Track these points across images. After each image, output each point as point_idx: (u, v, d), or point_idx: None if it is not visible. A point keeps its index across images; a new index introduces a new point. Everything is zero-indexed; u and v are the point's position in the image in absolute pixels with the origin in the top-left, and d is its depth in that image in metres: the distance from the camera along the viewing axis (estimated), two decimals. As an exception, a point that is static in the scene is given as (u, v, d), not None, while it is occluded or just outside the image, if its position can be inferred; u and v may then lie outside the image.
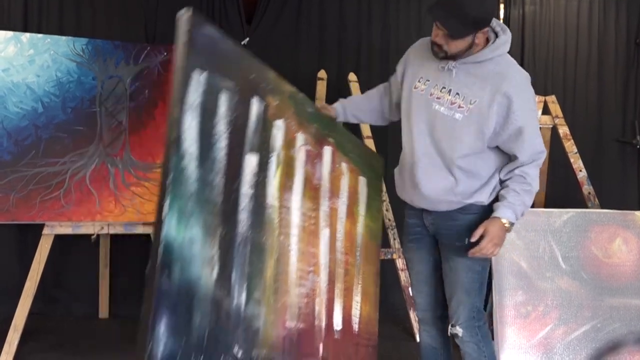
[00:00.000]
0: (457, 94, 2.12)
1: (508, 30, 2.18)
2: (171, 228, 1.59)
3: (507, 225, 2.09)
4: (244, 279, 1.88)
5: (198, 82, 1.75)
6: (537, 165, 2.14)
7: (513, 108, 2.06)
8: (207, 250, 1.72)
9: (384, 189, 3.06)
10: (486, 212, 2.16)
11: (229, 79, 1.92)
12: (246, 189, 1.91)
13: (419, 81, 2.21)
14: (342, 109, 2.52)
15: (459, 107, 2.12)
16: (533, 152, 2.12)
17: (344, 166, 2.43)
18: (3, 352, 2.95)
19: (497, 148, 2.16)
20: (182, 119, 1.67)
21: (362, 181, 2.62)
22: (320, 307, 2.31)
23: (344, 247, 2.50)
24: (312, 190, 2.32)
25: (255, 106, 2.03)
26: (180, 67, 1.68)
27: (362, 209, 2.62)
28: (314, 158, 2.36)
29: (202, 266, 1.70)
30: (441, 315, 2.37)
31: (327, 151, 2.44)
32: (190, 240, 1.66)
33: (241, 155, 1.88)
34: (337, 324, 2.38)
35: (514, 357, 2.84)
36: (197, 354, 1.66)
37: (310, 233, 2.10)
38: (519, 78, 2.13)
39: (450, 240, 2.20)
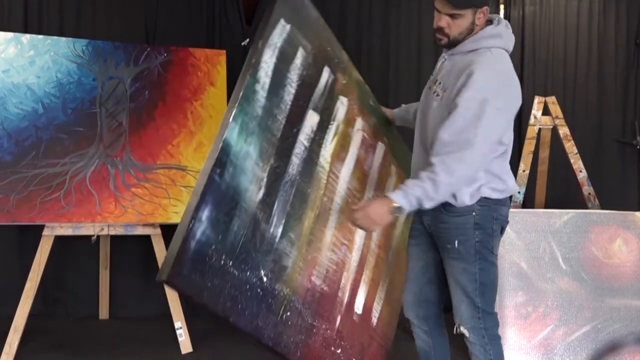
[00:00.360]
0: (440, 83, 2.12)
1: (503, 26, 2.09)
2: (233, 133, 1.84)
3: (393, 206, 1.95)
4: (284, 215, 2.03)
5: (283, 28, 2.08)
6: (453, 157, 1.95)
7: (462, 91, 1.97)
8: (258, 171, 1.95)
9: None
10: (476, 213, 2.08)
11: (308, 41, 2.21)
12: (303, 138, 2.11)
13: (430, 80, 2.24)
14: (400, 115, 2.60)
15: (437, 95, 2.10)
16: (449, 139, 1.96)
17: (393, 169, 2.50)
18: (3, 352, 2.95)
19: None
20: (264, 53, 1.97)
21: None
22: (346, 282, 2.39)
23: (379, 240, 2.57)
24: (361, 173, 2.47)
25: (325, 74, 2.24)
26: (271, 10, 2.00)
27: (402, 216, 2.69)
28: (368, 146, 2.51)
29: (250, 181, 1.91)
30: (424, 315, 2.32)
31: (381, 147, 2.61)
32: (246, 153, 1.90)
33: (305, 108, 2.07)
34: (358, 307, 2.43)
35: (514, 357, 2.84)
36: (227, 256, 1.83)
37: (351, 210, 2.16)
38: (486, 68, 1.99)
39: (442, 243, 2.17)
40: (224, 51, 3.59)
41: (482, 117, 1.93)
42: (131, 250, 3.85)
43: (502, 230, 2.17)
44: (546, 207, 3.40)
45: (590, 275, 2.92)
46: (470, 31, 2.07)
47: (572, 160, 3.22)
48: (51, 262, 3.32)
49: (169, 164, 3.30)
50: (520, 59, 4.26)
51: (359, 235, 2.43)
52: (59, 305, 3.81)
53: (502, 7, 4.25)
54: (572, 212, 2.98)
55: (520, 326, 2.87)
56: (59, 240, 3.57)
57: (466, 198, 2.06)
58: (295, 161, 2.12)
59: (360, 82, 2.52)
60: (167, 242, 3.35)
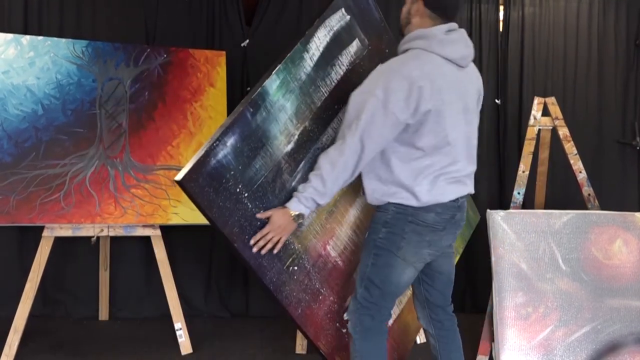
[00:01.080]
0: None
1: (450, 33, 2.05)
2: (273, 84, 2.05)
3: (293, 215, 2.03)
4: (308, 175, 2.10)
5: (342, 16, 2.28)
6: (335, 149, 2.02)
7: (356, 89, 2.07)
8: (291, 126, 2.10)
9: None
10: (390, 212, 2.08)
11: (367, 37, 2.41)
12: (342, 115, 2.16)
13: None
14: None
15: None
16: (338, 135, 2.08)
17: None
18: (3, 354, 2.95)
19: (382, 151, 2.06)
20: (318, 29, 2.18)
21: None
22: None
23: None
24: None
25: None
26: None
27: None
28: None
29: (281, 132, 2.07)
30: (430, 317, 2.36)
31: None
32: (281, 107, 2.07)
33: (350, 91, 2.11)
34: None
35: (514, 358, 2.84)
36: (244, 187, 1.96)
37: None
38: (384, 67, 2.03)
39: None
40: (224, 52, 3.60)
41: (364, 112, 1.96)
42: (131, 251, 3.85)
43: (436, 233, 2.10)
44: (546, 207, 3.39)
45: (590, 276, 2.92)
46: (408, 23, 2.13)
47: (571, 161, 3.21)
48: (51, 263, 3.32)
49: (169, 165, 3.31)
50: (520, 60, 4.26)
51: None
52: (59, 306, 3.81)
53: (501, 8, 4.25)
54: (572, 213, 2.98)
55: (520, 327, 2.87)
56: (59, 241, 3.58)
57: (373, 198, 2.12)
58: (331, 133, 2.24)
59: None
60: (167, 243, 3.36)
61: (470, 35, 4.21)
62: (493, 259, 2.92)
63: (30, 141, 3.12)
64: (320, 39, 2.19)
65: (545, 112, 3.28)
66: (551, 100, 3.27)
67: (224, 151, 1.90)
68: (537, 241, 2.93)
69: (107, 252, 3.70)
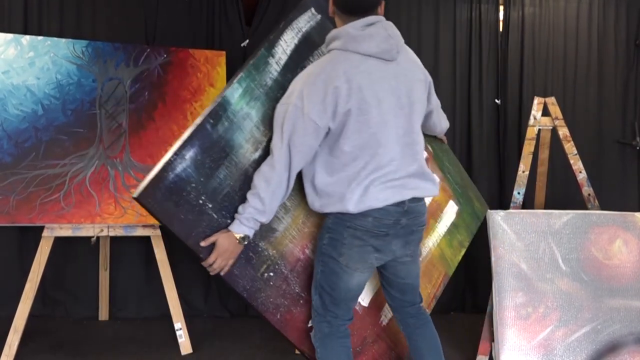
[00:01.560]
0: None
1: (368, 27, 1.97)
2: (234, 93, 2.06)
3: (238, 237, 1.95)
4: None
5: (312, 15, 2.25)
6: (266, 165, 1.98)
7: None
8: (258, 134, 2.08)
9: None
10: (330, 218, 2.05)
11: None
12: None
13: None
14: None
15: None
16: (270, 148, 2.00)
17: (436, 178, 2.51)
18: (3, 354, 2.95)
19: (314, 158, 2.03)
20: (285, 32, 2.15)
21: (452, 206, 2.85)
22: None
23: None
24: None
25: None
26: None
27: (441, 228, 2.78)
28: None
29: (247, 140, 2.05)
30: (399, 318, 2.32)
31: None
32: (246, 115, 2.05)
33: None
34: (364, 299, 2.41)
35: (514, 358, 2.84)
36: (207, 198, 1.95)
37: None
38: (302, 72, 2.01)
39: None
40: (224, 52, 3.60)
41: (285, 122, 1.94)
42: (131, 251, 3.85)
43: (378, 238, 2.03)
44: (546, 207, 3.40)
45: (590, 276, 2.92)
46: (333, 22, 2.14)
47: (571, 161, 3.21)
48: (51, 263, 3.32)
49: (169, 165, 3.31)
50: (519, 59, 4.26)
51: None
52: (59, 306, 3.81)
53: (501, 8, 4.25)
54: (572, 213, 2.98)
55: (520, 327, 2.87)
56: (59, 241, 3.58)
57: (314, 207, 2.08)
58: None
59: None
60: (167, 243, 3.36)
61: (470, 35, 4.21)
62: (493, 259, 2.92)
63: (30, 141, 3.12)
64: (287, 42, 2.15)
65: (545, 112, 3.28)
66: (551, 100, 3.27)
67: (183, 164, 1.87)
68: (537, 241, 2.93)
69: (107, 252, 3.70)
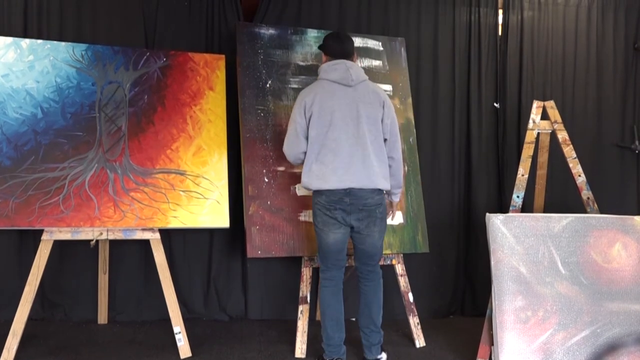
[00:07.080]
0: None
1: (335, 65, 2.98)
2: None
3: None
4: None
5: None
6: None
7: None
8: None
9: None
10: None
11: None
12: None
13: None
14: None
15: None
16: None
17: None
18: (2, 357, 2.94)
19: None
20: None
21: (400, 216, 3.62)
22: None
23: None
24: None
25: None
26: None
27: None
28: None
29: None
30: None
31: None
32: None
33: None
34: None
35: (513, 362, 2.84)
36: None
37: None
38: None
39: None
40: (223, 56, 3.60)
41: (291, 117, 3.03)
42: (130, 254, 3.84)
43: (330, 210, 2.90)
44: (545, 211, 3.40)
45: (589, 280, 2.92)
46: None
47: (570, 165, 3.22)
48: (50, 267, 3.31)
49: (168, 168, 3.31)
50: (518, 63, 4.27)
51: None
52: (58, 310, 3.80)
53: (500, 12, 4.27)
54: (571, 217, 2.98)
55: (520, 330, 2.87)
56: (58, 244, 3.58)
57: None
58: None
59: None
60: (166, 247, 3.36)
61: (469, 39, 4.23)
62: (492, 262, 2.92)
63: (29, 144, 3.12)
64: None
65: (544, 116, 3.28)
66: (550, 104, 3.28)
67: None
68: (537, 245, 2.93)
69: (106, 256, 3.70)
